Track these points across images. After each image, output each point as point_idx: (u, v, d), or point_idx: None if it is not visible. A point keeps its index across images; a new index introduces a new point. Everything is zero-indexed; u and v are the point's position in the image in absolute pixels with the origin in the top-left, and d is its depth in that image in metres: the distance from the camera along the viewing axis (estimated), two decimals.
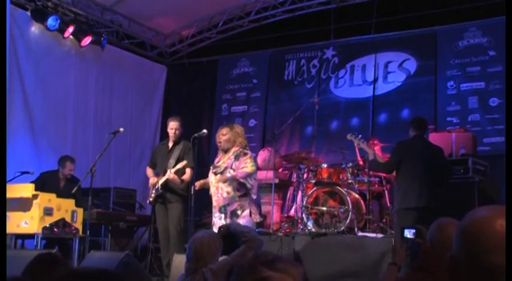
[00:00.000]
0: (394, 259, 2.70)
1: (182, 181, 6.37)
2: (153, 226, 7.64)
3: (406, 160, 5.81)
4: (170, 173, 6.29)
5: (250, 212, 5.34)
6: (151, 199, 6.50)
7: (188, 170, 6.40)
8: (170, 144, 6.62)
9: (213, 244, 3.32)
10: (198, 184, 5.63)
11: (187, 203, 6.32)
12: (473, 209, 1.33)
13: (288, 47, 9.74)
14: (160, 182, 6.36)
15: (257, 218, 5.44)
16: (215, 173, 5.39)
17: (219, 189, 5.31)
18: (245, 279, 1.52)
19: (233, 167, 5.30)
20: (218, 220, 5.25)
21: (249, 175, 5.30)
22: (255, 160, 5.57)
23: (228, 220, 5.16)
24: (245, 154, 5.39)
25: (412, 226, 2.68)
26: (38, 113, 8.15)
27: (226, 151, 5.48)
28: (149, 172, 6.76)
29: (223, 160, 5.43)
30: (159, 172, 6.54)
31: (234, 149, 5.41)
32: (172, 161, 6.44)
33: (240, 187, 5.28)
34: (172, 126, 6.58)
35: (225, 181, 5.22)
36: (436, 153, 6.02)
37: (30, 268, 2.50)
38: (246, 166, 5.29)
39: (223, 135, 5.49)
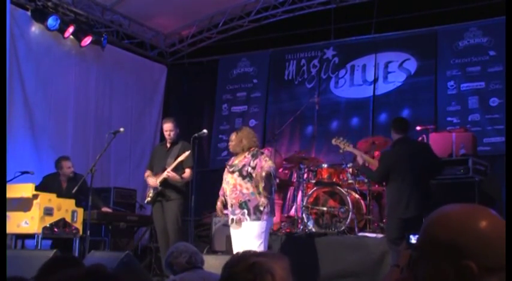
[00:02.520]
0: (397, 261, 2.70)
1: (182, 177, 6.34)
2: (154, 226, 7.67)
3: (393, 170, 5.66)
4: (168, 172, 6.27)
5: (271, 210, 5.43)
6: (149, 199, 6.48)
7: (188, 170, 6.38)
8: (168, 145, 6.60)
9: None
10: (219, 210, 5.71)
11: (186, 201, 6.31)
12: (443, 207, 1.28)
13: (288, 47, 9.75)
14: (159, 179, 6.34)
15: (273, 212, 5.53)
16: (232, 172, 5.47)
17: (237, 186, 5.40)
18: (236, 268, 1.61)
19: (251, 164, 5.40)
20: (242, 216, 5.33)
21: (274, 168, 5.45)
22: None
23: (253, 216, 5.27)
24: (262, 153, 5.56)
25: (417, 232, 2.67)
26: (38, 113, 8.14)
27: (237, 153, 5.60)
28: (148, 174, 6.69)
29: (239, 159, 5.53)
30: (157, 171, 6.50)
31: (251, 149, 5.52)
32: (170, 159, 6.41)
33: (267, 185, 5.34)
34: (166, 128, 6.54)
35: (267, 174, 5.25)
36: (423, 151, 5.88)
37: (46, 268, 2.49)
38: (268, 161, 5.43)
39: (231, 141, 5.64)
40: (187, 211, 6.20)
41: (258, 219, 5.28)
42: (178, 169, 6.37)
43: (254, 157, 5.44)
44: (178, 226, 6.30)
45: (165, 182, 6.35)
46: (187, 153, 6.22)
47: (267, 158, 5.50)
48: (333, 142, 6.46)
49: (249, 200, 5.32)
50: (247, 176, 5.39)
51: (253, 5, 9.58)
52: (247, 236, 5.27)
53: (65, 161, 7.07)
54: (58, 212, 6.08)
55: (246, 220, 5.29)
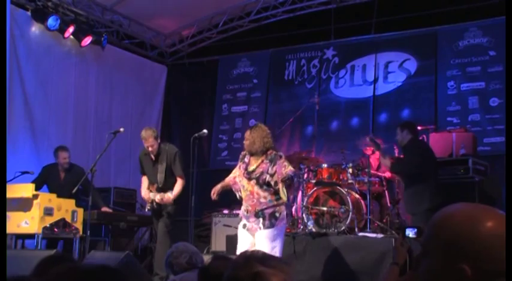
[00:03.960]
0: (396, 259, 2.69)
1: (172, 198, 6.28)
2: (152, 226, 7.68)
3: (422, 162, 6.06)
4: (158, 200, 6.24)
5: (286, 215, 5.29)
6: (148, 208, 6.47)
7: (179, 180, 6.36)
8: (153, 156, 6.46)
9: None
10: (215, 192, 5.42)
11: (184, 202, 6.30)
12: (449, 206, 1.27)
13: (288, 47, 9.75)
14: (153, 198, 6.31)
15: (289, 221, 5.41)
16: (249, 179, 5.21)
17: (254, 194, 5.16)
18: (239, 273, 1.59)
19: (269, 171, 5.13)
20: (255, 225, 5.12)
21: (294, 172, 5.21)
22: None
23: (267, 223, 5.08)
24: (281, 157, 5.21)
25: (413, 225, 2.67)
26: (38, 113, 8.14)
27: (253, 154, 5.29)
28: (144, 180, 6.62)
29: (256, 164, 5.23)
30: (152, 181, 6.46)
31: (268, 151, 5.22)
32: (161, 175, 6.33)
33: (287, 190, 5.15)
34: (147, 144, 6.36)
35: (286, 179, 5.06)
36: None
37: (40, 267, 2.49)
38: (288, 167, 5.17)
39: (246, 140, 5.31)
40: (187, 211, 6.19)
41: (272, 226, 5.08)
42: (168, 175, 6.34)
43: (272, 162, 5.15)
44: (167, 228, 6.29)
45: (159, 204, 6.35)
46: (169, 194, 6.21)
47: (286, 164, 5.17)
48: (368, 139, 6.55)
49: (265, 208, 5.13)
50: (264, 185, 5.15)
51: (253, 5, 9.58)
52: (260, 242, 5.10)
53: (61, 152, 7.07)
54: (58, 212, 6.07)
55: (260, 228, 5.10)
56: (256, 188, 5.17)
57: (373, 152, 6.80)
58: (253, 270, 1.58)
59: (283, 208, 5.21)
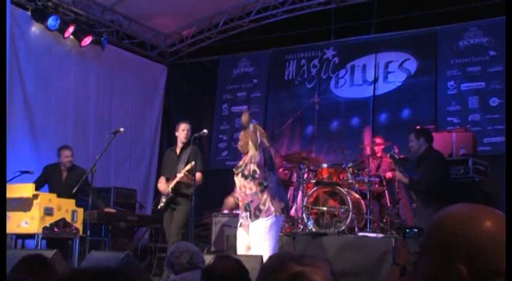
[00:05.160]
0: (397, 260, 2.70)
1: (193, 180, 6.30)
2: (154, 226, 7.69)
3: (441, 176, 6.01)
4: (183, 175, 6.23)
5: (272, 205, 5.23)
6: (162, 204, 6.46)
7: (198, 174, 6.37)
8: (178, 150, 6.57)
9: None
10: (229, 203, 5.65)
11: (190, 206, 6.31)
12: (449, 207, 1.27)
13: (288, 47, 9.75)
14: (171, 186, 6.33)
15: (279, 211, 5.28)
16: (237, 174, 5.37)
17: (242, 187, 5.33)
18: (277, 276, 1.51)
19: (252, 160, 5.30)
20: (246, 219, 5.25)
21: (255, 156, 5.22)
22: (263, 150, 5.42)
23: (253, 217, 5.18)
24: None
25: (414, 226, 2.68)
26: (38, 113, 8.14)
27: (247, 153, 5.41)
28: (161, 180, 6.66)
29: (243, 160, 5.43)
30: (170, 177, 6.50)
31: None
32: (181, 165, 6.41)
33: (260, 173, 5.20)
34: (185, 127, 6.55)
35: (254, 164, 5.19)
36: None
37: (18, 268, 2.48)
38: (252, 151, 5.24)
39: (240, 140, 5.48)
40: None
41: (257, 218, 5.16)
42: (190, 173, 6.38)
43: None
44: (182, 231, 6.30)
45: (176, 190, 6.35)
46: (192, 163, 6.23)
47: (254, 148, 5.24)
48: (388, 156, 6.53)
49: (251, 201, 5.22)
50: (249, 176, 5.26)
51: (253, 5, 9.58)
52: (251, 237, 5.21)
53: (64, 150, 7.08)
54: (58, 212, 6.07)
55: (248, 222, 5.22)
56: (242, 181, 5.31)
57: (392, 169, 6.80)
58: (292, 271, 1.51)
59: (268, 199, 5.22)
